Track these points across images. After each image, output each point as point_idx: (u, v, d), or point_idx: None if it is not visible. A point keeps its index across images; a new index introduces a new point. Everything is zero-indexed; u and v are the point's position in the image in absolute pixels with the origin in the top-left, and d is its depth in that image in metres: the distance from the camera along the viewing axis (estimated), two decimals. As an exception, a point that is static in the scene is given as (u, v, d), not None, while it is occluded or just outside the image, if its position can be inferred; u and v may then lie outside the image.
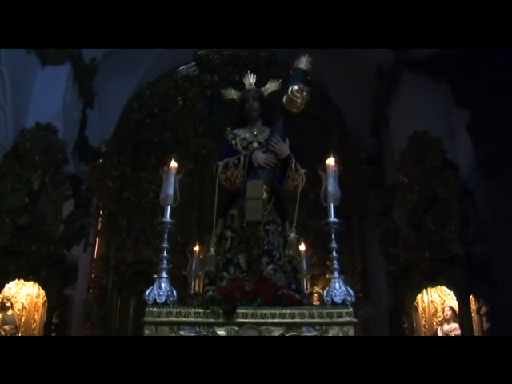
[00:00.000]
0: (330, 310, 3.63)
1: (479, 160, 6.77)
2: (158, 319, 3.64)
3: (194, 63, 10.85)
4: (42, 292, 6.77)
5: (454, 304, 6.62)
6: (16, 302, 6.72)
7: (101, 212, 9.50)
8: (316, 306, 4.13)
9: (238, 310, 3.66)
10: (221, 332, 3.63)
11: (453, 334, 6.45)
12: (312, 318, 3.64)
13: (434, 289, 6.86)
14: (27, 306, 6.77)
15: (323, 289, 8.71)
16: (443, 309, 6.74)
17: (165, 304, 3.69)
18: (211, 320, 3.66)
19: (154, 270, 9.09)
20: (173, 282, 4.12)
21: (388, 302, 8.01)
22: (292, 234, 4.40)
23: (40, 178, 6.88)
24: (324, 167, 4.03)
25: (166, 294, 3.71)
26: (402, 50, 8.05)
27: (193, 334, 3.62)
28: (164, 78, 10.80)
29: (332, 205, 3.89)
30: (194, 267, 5.00)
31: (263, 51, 10.29)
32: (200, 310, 3.69)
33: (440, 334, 6.58)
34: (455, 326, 6.51)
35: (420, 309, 6.85)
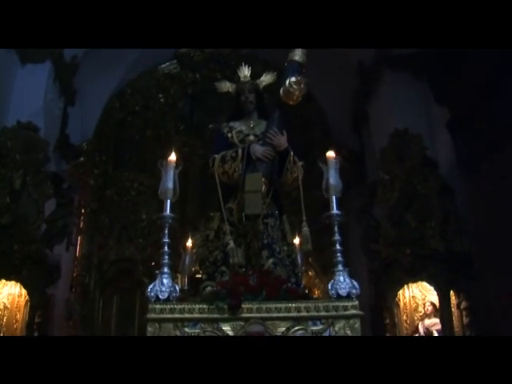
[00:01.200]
0: (336, 303, 3.61)
1: (459, 157, 6.86)
2: (161, 316, 3.58)
3: (175, 61, 10.83)
4: (24, 291, 6.71)
5: (435, 299, 6.70)
6: (-3, 302, 6.68)
7: (83, 210, 9.46)
8: (322, 299, 4.14)
9: (243, 305, 3.63)
10: (226, 327, 3.58)
11: (434, 329, 6.54)
12: (318, 311, 3.62)
13: (415, 284, 6.93)
14: (9, 306, 6.71)
15: (306, 285, 8.79)
16: (424, 304, 6.83)
17: (167, 300, 3.64)
18: (216, 316, 3.61)
19: (136, 268, 9.26)
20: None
21: (369, 298, 8.08)
22: (305, 228, 4.30)
23: (21, 177, 6.82)
24: (325, 159, 4.02)
25: (168, 289, 3.65)
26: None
27: (197, 331, 3.57)
28: (145, 76, 10.77)
29: (334, 197, 3.90)
30: (186, 263, 5.00)
31: (244, 49, 10.32)
32: (204, 306, 3.64)
33: (421, 328, 6.66)
34: (436, 320, 6.60)
35: (401, 304, 6.92)
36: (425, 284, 6.83)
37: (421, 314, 6.84)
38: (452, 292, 6.56)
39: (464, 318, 6.38)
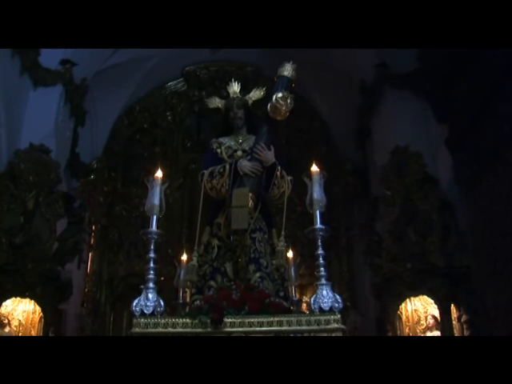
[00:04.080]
0: (318, 317, 3.61)
1: (458, 174, 7.01)
2: (145, 330, 3.63)
3: (182, 79, 11.05)
4: (38, 308, 6.92)
5: (436, 312, 6.85)
6: (13, 318, 6.87)
7: (93, 227, 9.67)
8: (304, 313, 4.18)
9: (226, 319, 3.66)
10: None
11: (435, 342, 6.67)
12: (300, 325, 3.62)
13: (417, 298, 7.08)
14: (24, 323, 6.92)
15: (300, 298, 8.87)
16: (426, 317, 6.98)
17: (152, 315, 3.68)
18: (199, 330, 3.65)
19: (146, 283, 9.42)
20: (165, 294, 4.19)
21: (375, 310, 8.22)
22: (281, 243, 4.34)
23: (34, 198, 7.04)
24: (309, 174, 4.03)
25: (153, 304, 3.70)
26: (383, 66, 8.32)
27: None
28: (153, 94, 10.98)
29: (318, 211, 3.89)
30: (181, 276, 4.87)
31: (250, 66, 10.54)
32: (187, 320, 3.68)
33: (423, 342, 6.80)
34: (437, 333, 6.74)
35: (404, 317, 7.06)
36: (426, 297, 6.97)
37: (423, 326, 6.98)
38: (452, 306, 6.71)
39: (465, 330, 6.52)
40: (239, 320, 3.68)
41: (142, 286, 3.81)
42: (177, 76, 10.99)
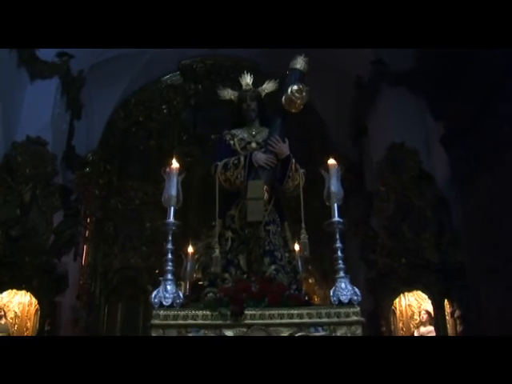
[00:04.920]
0: (338, 310, 3.61)
1: (455, 171, 7.05)
2: (165, 322, 3.60)
3: (178, 72, 11.06)
4: (34, 300, 6.94)
5: (430, 308, 6.92)
6: (9, 310, 6.90)
7: (88, 220, 9.69)
8: (324, 306, 4.19)
9: (246, 312, 3.62)
10: (229, 334, 3.59)
11: (429, 336, 6.75)
12: (320, 317, 3.62)
13: (411, 293, 7.15)
14: (20, 314, 6.95)
15: (306, 292, 8.92)
16: (420, 312, 7.04)
17: (171, 307, 3.65)
18: (219, 322, 3.61)
19: (140, 275, 9.48)
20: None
21: (368, 305, 8.26)
22: (303, 236, 4.30)
23: (31, 191, 7.06)
24: (326, 167, 4.02)
25: (172, 296, 3.67)
26: (380, 63, 8.35)
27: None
28: (149, 87, 11.02)
29: (336, 204, 3.87)
30: (188, 269, 4.96)
31: (246, 61, 10.53)
32: (208, 312, 3.65)
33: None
34: (431, 328, 6.81)
35: (398, 312, 7.14)
36: (420, 293, 7.04)
37: (416, 321, 7.05)
38: (446, 301, 6.78)
39: (457, 326, 6.59)
40: (259, 312, 3.66)
41: (161, 278, 3.77)
42: (173, 69, 11.01)
